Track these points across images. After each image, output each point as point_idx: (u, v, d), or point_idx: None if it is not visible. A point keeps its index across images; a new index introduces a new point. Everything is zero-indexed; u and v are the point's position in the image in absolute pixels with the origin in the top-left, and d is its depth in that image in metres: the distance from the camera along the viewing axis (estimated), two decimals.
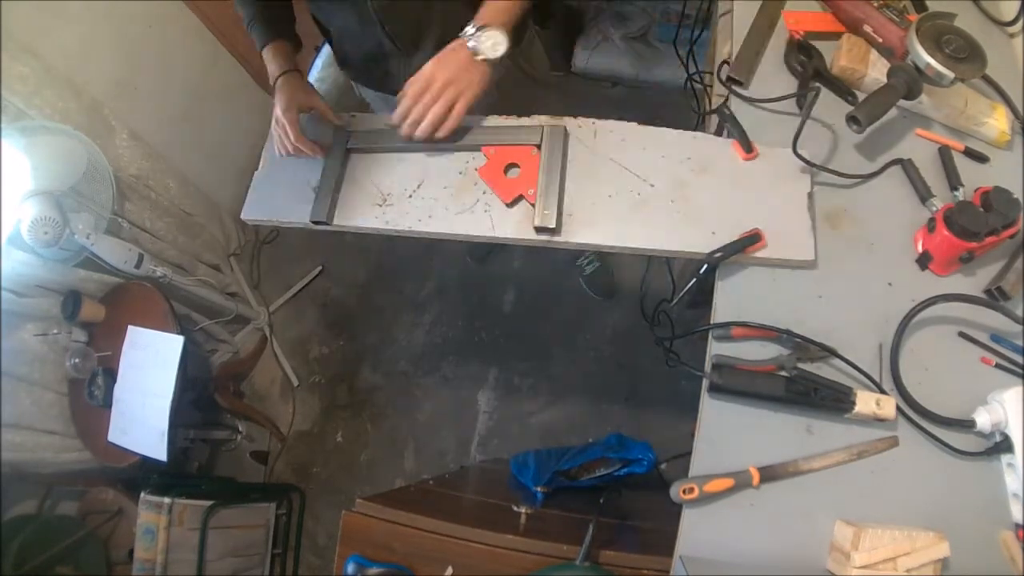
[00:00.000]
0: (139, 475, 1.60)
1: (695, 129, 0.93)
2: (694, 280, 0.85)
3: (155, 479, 1.57)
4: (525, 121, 0.96)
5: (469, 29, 0.90)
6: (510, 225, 0.89)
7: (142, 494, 1.48)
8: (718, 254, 0.81)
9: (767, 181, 0.86)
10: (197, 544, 1.53)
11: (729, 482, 0.72)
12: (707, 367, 0.81)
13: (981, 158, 0.89)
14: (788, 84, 0.96)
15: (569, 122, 0.95)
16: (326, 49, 2.69)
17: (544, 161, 0.90)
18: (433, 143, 0.93)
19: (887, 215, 0.86)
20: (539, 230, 0.86)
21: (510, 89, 1.19)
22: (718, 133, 0.93)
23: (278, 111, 1.01)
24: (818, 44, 0.97)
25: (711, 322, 0.82)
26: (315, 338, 2.23)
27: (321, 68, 2.68)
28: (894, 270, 0.83)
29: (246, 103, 2.28)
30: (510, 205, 0.90)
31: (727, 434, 0.77)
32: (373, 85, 1.26)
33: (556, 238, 0.87)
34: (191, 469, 2.01)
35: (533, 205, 0.87)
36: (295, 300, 2.29)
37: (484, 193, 0.92)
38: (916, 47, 0.79)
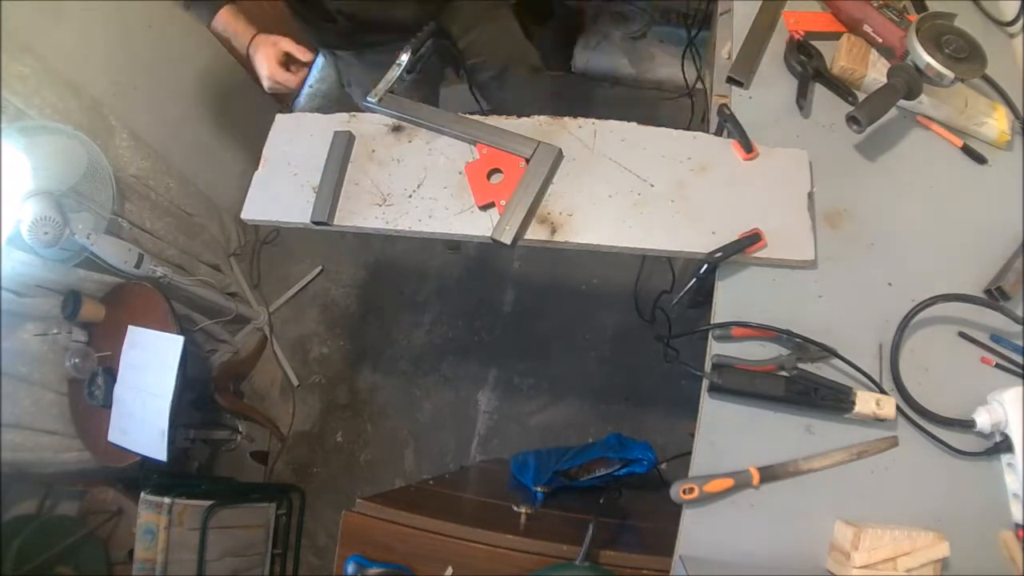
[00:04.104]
0: (139, 475, 1.60)
1: (695, 129, 0.93)
2: (694, 280, 0.85)
3: (155, 479, 1.56)
4: (525, 125, 0.96)
5: None
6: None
7: (142, 494, 1.48)
8: (718, 254, 0.81)
9: (767, 181, 0.86)
10: (197, 544, 1.53)
11: (729, 482, 0.72)
12: (707, 367, 0.81)
13: (980, 159, 0.89)
14: (788, 84, 0.96)
15: (569, 122, 0.95)
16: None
17: (526, 178, 0.89)
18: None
19: (887, 215, 0.86)
20: (495, 241, 0.87)
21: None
22: (718, 133, 0.93)
23: (269, 73, 1.09)
24: (818, 44, 0.97)
25: (711, 322, 0.82)
26: (315, 338, 2.23)
27: (322, 68, 2.69)
28: (894, 270, 0.83)
29: (246, 103, 2.27)
30: (482, 208, 0.90)
31: (727, 434, 0.77)
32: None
33: (556, 238, 0.87)
34: (191, 469, 2.01)
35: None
36: (295, 300, 2.29)
37: None
38: (916, 47, 0.79)
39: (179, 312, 1.64)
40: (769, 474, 0.73)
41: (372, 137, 1.00)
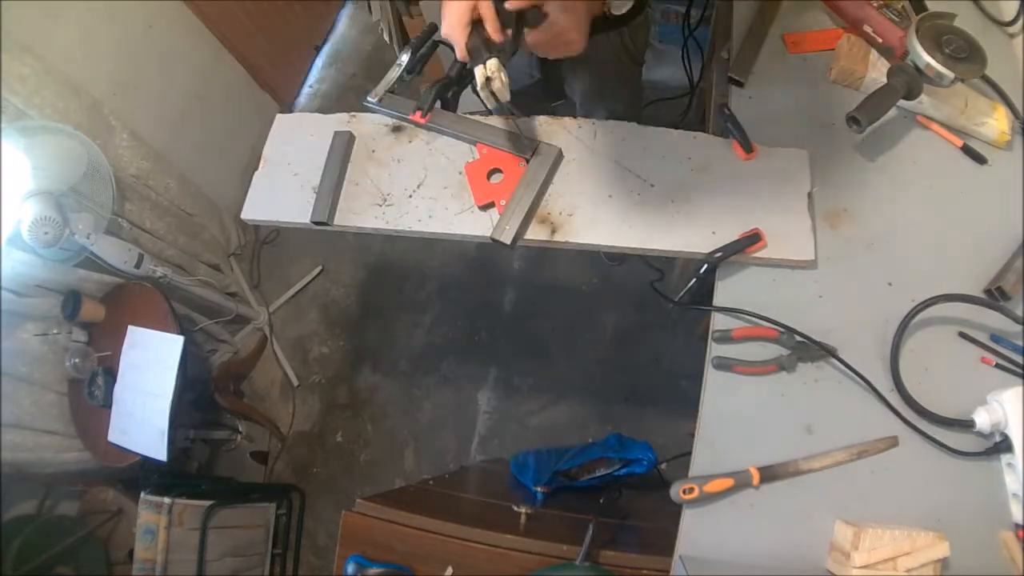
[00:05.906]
0: (139, 475, 1.60)
1: (695, 129, 0.93)
2: (694, 280, 0.85)
3: (155, 479, 1.56)
4: (525, 126, 0.96)
5: None
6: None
7: (142, 494, 1.48)
8: (718, 254, 0.81)
9: (767, 181, 0.86)
10: (197, 544, 1.52)
11: (729, 482, 0.72)
12: (707, 368, 0.81)
13: (980, 158, 0.89)
14: (788, 84, 0.96)
15: (569, 122, 0.95)
16: (326, 49, 2.70)
17: (526, 177, 0.89)
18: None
19: (887, 215, 0.86)
20: (495, 241, 0.87)
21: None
22: (718, 133, 0.93)
23: (450, 27, 0.80)
24: (816, 55, 0.98)
25: (711, 326, 0.82)
26: (315, 338, 2.23)
27: (322, 68, 2.68)
28: (894, 270, 0.83)
29: (246, 103, 2.28)
30: (482, 208, 0.91)
31: (727, 434, 0.77)
32: None
33: (556, 238, 0.88)
34: (191, 469, 2.01)
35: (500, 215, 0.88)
36: (295, 300, 2.29)
37: None
38: (916, 47, 0.79)
39: (179, 312, 1.64)
40: (769, 474, 0.73)
41: (372, 137, 1.00)
